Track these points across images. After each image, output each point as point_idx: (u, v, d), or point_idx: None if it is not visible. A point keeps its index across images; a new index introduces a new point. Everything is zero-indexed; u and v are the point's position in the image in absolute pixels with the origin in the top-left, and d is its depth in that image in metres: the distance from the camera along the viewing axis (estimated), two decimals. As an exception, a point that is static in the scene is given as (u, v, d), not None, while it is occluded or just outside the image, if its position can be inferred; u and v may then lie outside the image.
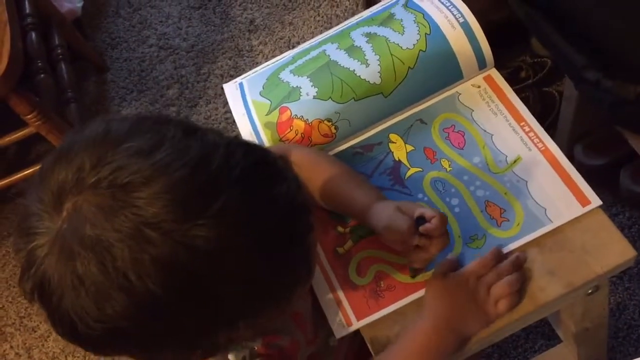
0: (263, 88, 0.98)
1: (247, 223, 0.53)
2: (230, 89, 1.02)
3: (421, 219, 0.75)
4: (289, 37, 1.94)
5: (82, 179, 0.51)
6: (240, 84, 1.02)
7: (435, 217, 0.75)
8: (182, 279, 0.51)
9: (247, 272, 0.54)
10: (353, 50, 0.95)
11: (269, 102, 0.96)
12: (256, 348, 0.70)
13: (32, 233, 0.53)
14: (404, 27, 0.95)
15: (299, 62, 0.98)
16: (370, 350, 0.79)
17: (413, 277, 0.82)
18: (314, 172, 0.84)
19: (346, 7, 1.94)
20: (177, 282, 0.51)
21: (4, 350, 1.61)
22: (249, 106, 0.97)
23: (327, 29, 1.87)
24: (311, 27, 1.94)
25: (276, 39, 1.94)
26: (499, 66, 0.95)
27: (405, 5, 0.98)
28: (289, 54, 1.02)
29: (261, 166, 0.56)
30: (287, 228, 0.57)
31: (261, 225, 0.54)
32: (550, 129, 0.89)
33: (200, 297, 0.53)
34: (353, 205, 0.83)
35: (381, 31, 0.96)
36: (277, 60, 1.03)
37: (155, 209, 0.50)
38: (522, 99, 0.91)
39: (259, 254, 0.54)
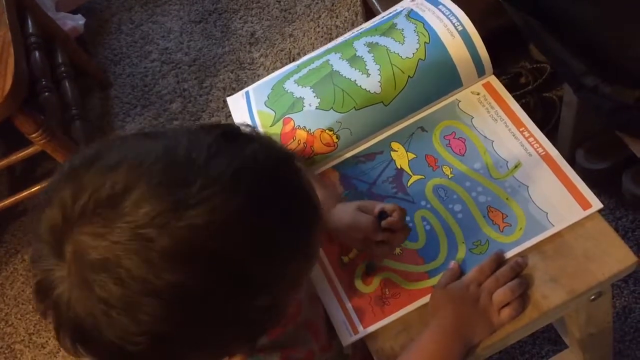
0: (268, 98, 0.99)
1: (232, 187, 0.54)
2: (235, 100, 1.03)
3: (383, 214, 0.78)
4: (289, 48, 1.95)
5: (69, 216, 0.53)
6: (247, 93, 1.03)
7: (396, 210, 0.78)
8: (196, 260, 0.53)
9: (253, 231, 0.55)
10: (355, 60, 0.96)
11: (273, 113, 0.97)
12: None
13: (50, 287, 0.54)
14: (404, 37, 0.96)
15: (303, 71, 1.00)
16: None
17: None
18: None
19: (345, 17, 1.95)
20: (193, 265, 0.52)
21: (13, 367, 1.62)
22: (254, 117, 0.98)
23: (327, 40, 1.90)
24: (311, 38, 1.95)
25: (277, 51, 1.96)
26: (498, 72, 0.96)
27: (407, 16, 0.99)
28: (294, 63, 1.04)
29: (225, 136, 0.58)
30: (273, 178, 0.58)
31: (246, 185, 0.55)
32: (552, 134, 0.89)
33: (219, 271, 0.54)
34: None
35: (382, 41, 0.97)
36: (282, 70, 1.04)
37: (144, 209, 0.51)
38: (522, 105, 0.92)
39: (256, 212, 0.55)
